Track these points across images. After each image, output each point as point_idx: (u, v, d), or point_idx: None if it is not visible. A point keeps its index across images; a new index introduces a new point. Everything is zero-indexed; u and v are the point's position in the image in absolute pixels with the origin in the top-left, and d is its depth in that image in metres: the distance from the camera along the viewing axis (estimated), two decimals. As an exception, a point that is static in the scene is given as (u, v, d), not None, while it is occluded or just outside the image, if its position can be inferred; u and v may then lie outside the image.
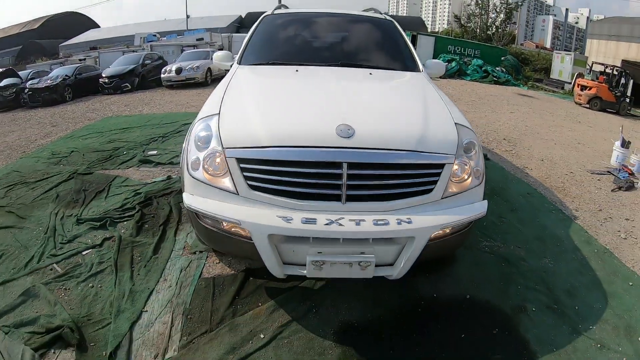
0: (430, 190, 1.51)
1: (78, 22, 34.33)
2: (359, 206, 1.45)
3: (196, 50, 13.28)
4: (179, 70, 10.44)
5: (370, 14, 3.17)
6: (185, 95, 9.17)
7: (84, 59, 14.96)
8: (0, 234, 2.54)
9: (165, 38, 20.73)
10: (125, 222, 2.63)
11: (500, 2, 24.24)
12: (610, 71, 11.98)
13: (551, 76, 18.18)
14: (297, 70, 2.22)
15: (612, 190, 3.73)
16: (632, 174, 4.14)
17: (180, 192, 3.03)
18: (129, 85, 10.49)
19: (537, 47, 32.32)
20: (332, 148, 1.41)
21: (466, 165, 1.58)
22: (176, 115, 6.45)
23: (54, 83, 9.50)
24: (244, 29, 26.06)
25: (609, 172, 4.26)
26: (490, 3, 24.46)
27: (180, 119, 6.02)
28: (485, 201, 1.64)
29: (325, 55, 2.55)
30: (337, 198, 1.43)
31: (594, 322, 1.82)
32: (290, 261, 1.51)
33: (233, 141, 1.47)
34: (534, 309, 1.88)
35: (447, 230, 1.53)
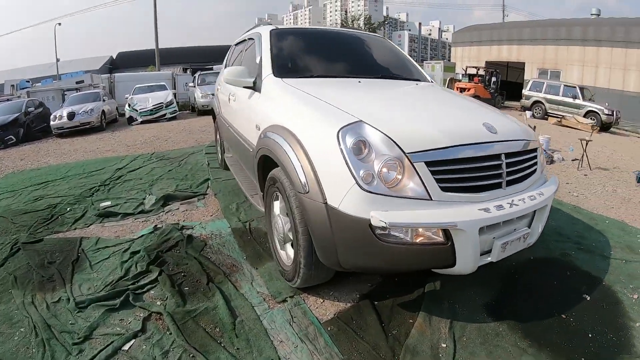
0: (535, 170, 1.80)
1: None
2: (512, 189, 1.60)
3: (85, 92, 11.64)
4: (71, 116, 8.82)
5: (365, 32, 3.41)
6: (87, 142, 7.59)
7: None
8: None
9: (40, 84, 18.47)
10: (152, 292, 1.95)
11: (364, 23, 27.85)
12: (484, 73, 14.80)
13: (425, 84, 21.73)
14: (359, 82, 2.22)
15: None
16: (545, 150, 5.40)
17: (189, 240, 2.53)
18: (13, 137, 8.28)
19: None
20: (492, 142, 1.55)
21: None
22: (98, 162, 5.23)
23: None
24: (117, 70, 25.28)
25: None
26: (354, 24, 27.64)
27: (106, 165, 4.90)
28: (557, 176, 2.03)
29: (364, 68, 2.59)
30: (498, 185, 1.54)
31: (610, 248, 2.49)
32: None
33: (414, 145, 1.40)
34: (573, 253, 2.42)
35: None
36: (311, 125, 1.61)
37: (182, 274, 2.11)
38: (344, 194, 1.37)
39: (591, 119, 11.06)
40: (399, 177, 1.37)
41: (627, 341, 1.60)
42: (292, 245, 1.90)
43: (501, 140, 1.58)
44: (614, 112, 11.39)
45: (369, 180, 1.35)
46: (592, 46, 16.87)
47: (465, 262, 1.41)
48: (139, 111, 10.27)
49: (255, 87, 2.35)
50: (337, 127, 1.46)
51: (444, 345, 1.55)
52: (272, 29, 2.65)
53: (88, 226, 2.88)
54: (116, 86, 15.16)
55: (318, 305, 1.83)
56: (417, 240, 1.37)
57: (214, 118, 4.50)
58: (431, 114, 1.75)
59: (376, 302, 1.82)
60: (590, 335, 1.63)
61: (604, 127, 11.09)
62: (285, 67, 2.32)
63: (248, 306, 1.81)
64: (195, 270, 2.15)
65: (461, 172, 1.45)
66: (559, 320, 1.73)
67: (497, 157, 1.53)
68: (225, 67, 4.07)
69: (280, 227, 1.90)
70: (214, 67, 18.13)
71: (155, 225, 2.83)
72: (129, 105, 10.48)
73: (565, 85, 12.77)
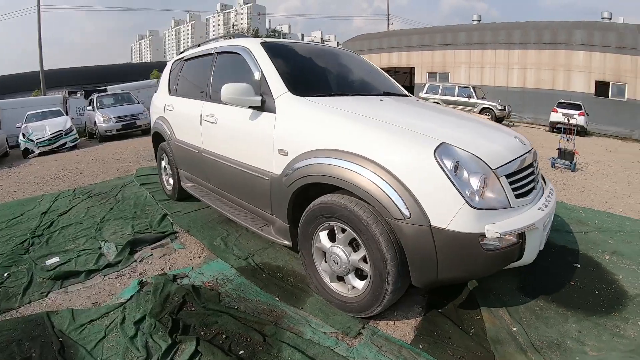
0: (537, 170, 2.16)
1: None
2: (538, 189, 1.91)
3: None
4: None
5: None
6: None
7: None
8: None
9: None
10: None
11: (252, 37, 28.96)
12: None
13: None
14: (381, 100, 2.27)
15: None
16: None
17: (197, 292, 2.18)
18: None
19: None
20: (528, 152, 1.86)
21: None
22: (12, 207, 3.94)
23: None
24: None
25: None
26: None
27: (25, 210, 3.73)
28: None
29: (367, 85, 2.65)
30: (533, 188, 1.82)
31: (568, 225, 3.17)
32: None
33: (495, 161, 1.57)
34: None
35: None
36: (396, 147, 1.57)
37: (223, 336, 1.78)
38: (453, 214, 1.43)
39: (486, 114, 13.27)
40: (487, 190, 1.52)
41: (621, 289, 2.13)
42: (355, 274, 1.84)
43: (530, 150, 1.92)
44: (506, 107, 13.84)
45: (473, 197, 1.46)
46: (478, 49, 18.92)
47: (531, 254, 1.64)
48: (35, 141, 8.65)
49: (264, 107, 2.15)
50: (431, 149, 1.49)
51: (515, 329, 1.76)
52: (262, 42, 2.46)
53: (46, 295, 2.15)
54: (1, 114, 12.63)
55: (391, 328, 1.81)
56: (503, 244, 1.53)
57: (157, 143, 3.94)
58: (476, 131, 1.94)
59: (440, 310, 1.92)
60: (597, 292, 2.09)
61: (498, 121, 13.37)
62: (300, 84, 2.18)
63: (327, 351, 1.65)
64: (234, 327, 1.83)
65: (521, 180, 1.70)
66: (572, 287, 2.15)
67: (531, 164, 1.86)
68: (169, 87, 3.61)
69: (342, 258, 1.80)
70: (108, 87, 16.35)
71: (140, 281, 2.30)
72: (24, 135, 8.86)
73: (459, 87, 14.79)
